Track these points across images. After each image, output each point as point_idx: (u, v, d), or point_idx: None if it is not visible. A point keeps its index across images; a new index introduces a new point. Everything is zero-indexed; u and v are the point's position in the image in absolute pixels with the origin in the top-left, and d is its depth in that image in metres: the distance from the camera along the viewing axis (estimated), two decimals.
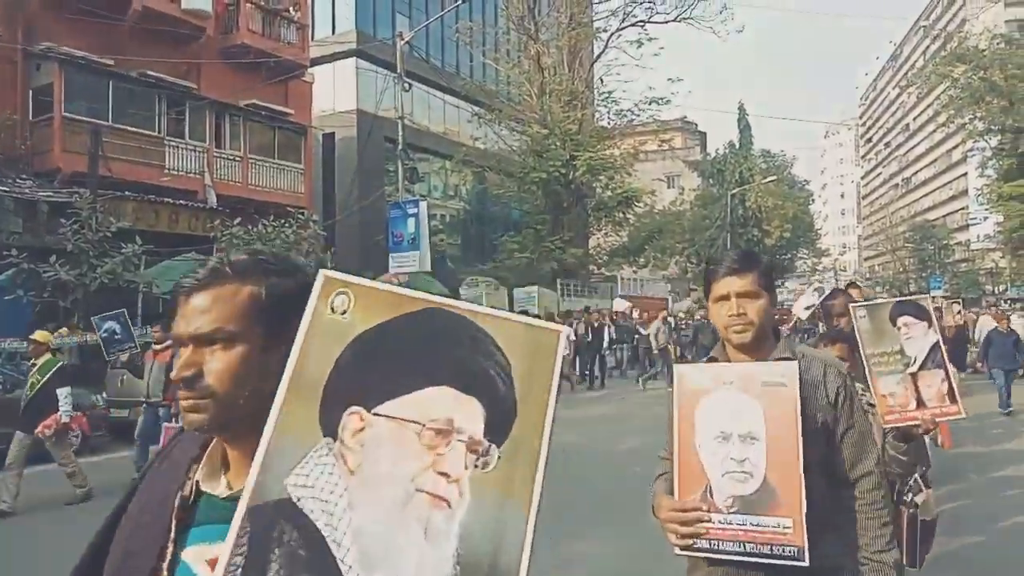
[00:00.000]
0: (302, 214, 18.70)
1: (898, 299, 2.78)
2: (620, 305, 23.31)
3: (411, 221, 19.81)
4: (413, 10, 28.85)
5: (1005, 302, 24.60)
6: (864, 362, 2.59)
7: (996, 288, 45.50)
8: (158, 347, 8.41)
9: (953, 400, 2.54)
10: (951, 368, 11.53)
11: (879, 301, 2.82)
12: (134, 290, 15.12)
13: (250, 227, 16.52)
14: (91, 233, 13.58)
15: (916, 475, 3.65)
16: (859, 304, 2.74)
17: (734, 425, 1.67)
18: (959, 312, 17.42)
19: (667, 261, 40.17)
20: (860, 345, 2.60)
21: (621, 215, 28.32)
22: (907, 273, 59.74)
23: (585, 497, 6.61)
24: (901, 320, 2.59)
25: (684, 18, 28.05)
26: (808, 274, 59.14)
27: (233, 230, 16.27)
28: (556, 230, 25.30)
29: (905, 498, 3.54)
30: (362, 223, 24.23)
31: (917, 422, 2.51)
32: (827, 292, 5.65)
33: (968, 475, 7.59)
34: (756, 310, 1.83)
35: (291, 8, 21.74)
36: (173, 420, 7.77)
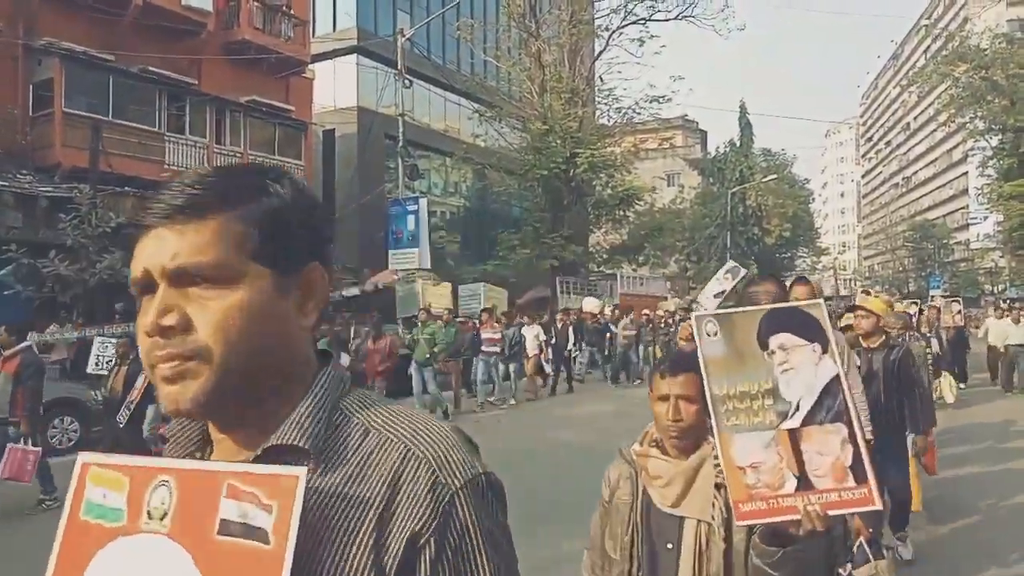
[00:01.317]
0: None
1: (774, 306, 1.72)
2: (590, 304, 20.86)
3: (411, 218, 19.82)
4: (414, 7, 28.82)
5: (1004, 302, 24.53)
6: (710, 408, 1.56)
7: (995, 288, 45.53)
8: (7, 353, 7.07)
9: (861, 479, 1.47)
10: (946, 380, 10.86)
11: (743, 309, 1.68)
12: None
13: None
14: (91, 228, 13.59)
15: (861, 540, 3.06)
16: (706, 314, 1.68)
17: None
18: (959, 312, 15.77)
19: (667, 259, 40.19)
20: (704, 380, 1.57)
21: (621, 213, 28.33)
22: (906, 272, 59.82)
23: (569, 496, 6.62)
24: (776, 340, 1.56)
25: (685, 16, 28.04)
26: (808, 272, 59.16)
27: None
28: (556, 227, 25.29)
29: (840, 571, 2.59)
30: (362, 220, 24.22)
31: (796, 516, 1.45)
32: (746, 276, 4.57)
33: (970, 505, 6.29)
34: (214, 322, 0.76)
35: (290, 5, 21.70)
36: (23, 442, 6.80)
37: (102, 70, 16.90)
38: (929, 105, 58.84)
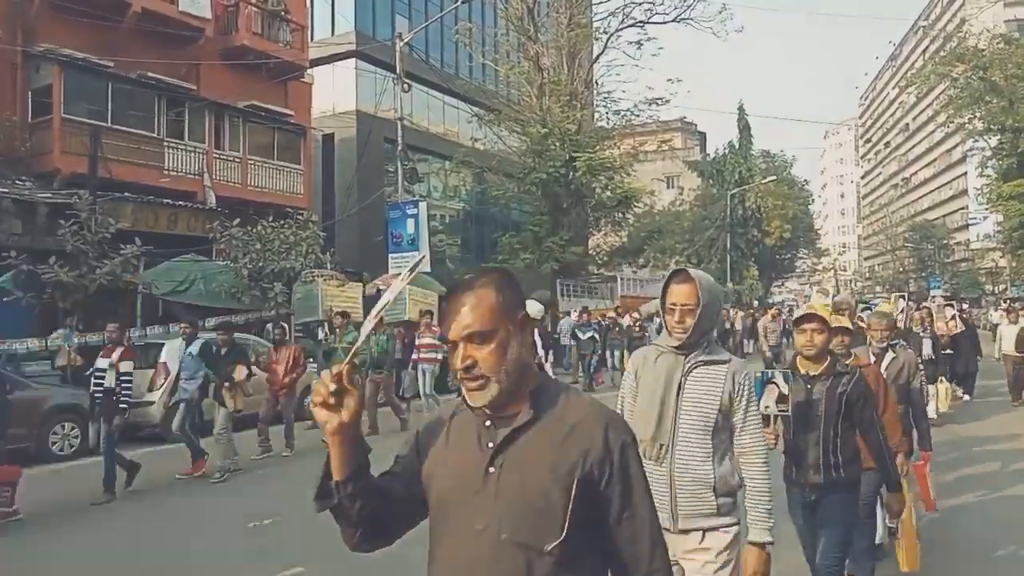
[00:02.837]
0: (301, 215, 18.68)
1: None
2: (532, 308, 18.98)
3: (410, 222, 19.81)
4: (412, 11, 28.87)
5: (1005, 301, 24.39)
6: None
7: (996, 288, 45.53)
8: None
9: None
10: (942, 388, 9.62)
11: None
12: (133, 291, 15.13)
13: (249, 228, 16.51)
14: (90, 234, 13.57)
15: None
16: None
17: None
18: (953, 316, 13.39)
19: (667, 261, 40.19)
20: None
21: (620, 215, 28.31)
22: (907, 273, 59.81)
23: None
24: None
25: (683, 19, 28.08)
26: (808, 274, 59.18)
27: (232, 231, 16.28)
28: (556, 230, 25.28)
29: None
30: (361, 224, 24.24)
31: None
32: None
33: (969, 548, 5.26)
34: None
35: (289, 10, 21.70)
36: None
37: (101, 76, 16.90)
38: (928, 106, 58.89)
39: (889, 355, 4.89)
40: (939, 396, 10.18)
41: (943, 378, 10.65)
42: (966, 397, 12.73)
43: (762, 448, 2.60)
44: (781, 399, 3.26)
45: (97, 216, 13.89)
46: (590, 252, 29.21)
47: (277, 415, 10.15)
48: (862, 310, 10.99)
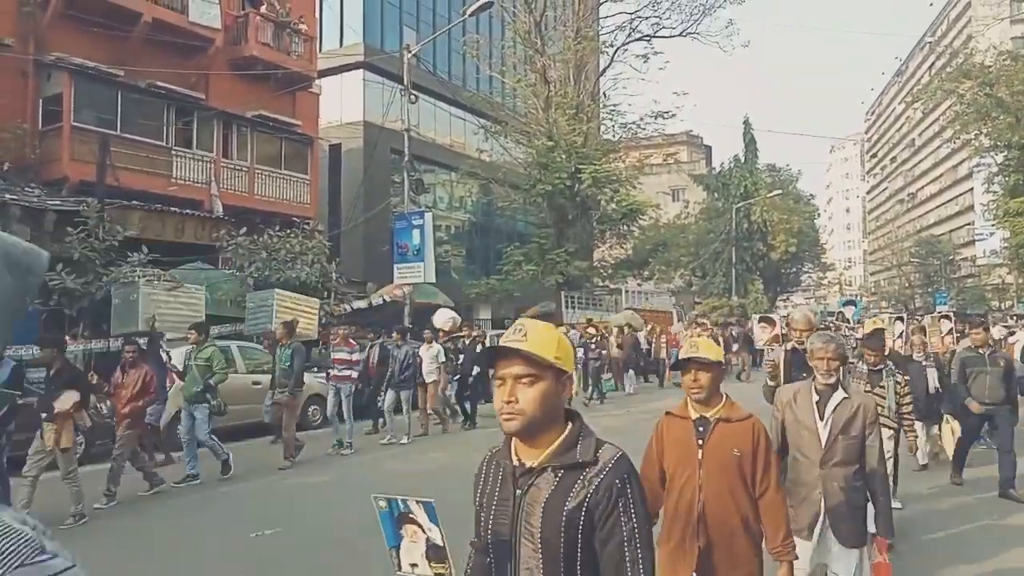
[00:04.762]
0: (307, 224, 18.76)
1: None
2: (442, 318, 15.17)
3: (416, 232, 19.85)
4: (420, 23, 29.06)
5: (1011, 318, 24.22)
6: None
7: (1002, 304, 45.32)
8: None
9: None
10: (947, 428, 7.74)
11: None
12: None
13: (255, 237, 16.56)
14: (98, 242, 13.63)
15: None
16: None
17: None
18: (950, 331, 10.80)
19: (672, 274, 40.22)
20: None
21: (626, 228, 28.39)
22: (912, 288, 59.58)
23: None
24: None
25: (690, 33, 28.26)
26: (813, 288, 59.11)
27: (238, 240, 16.33)
28: (561, 242, 25.33)
29: None
30: (367, 234, 24.31)
31: None
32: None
33: None
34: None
35: (298, 20, 21.87)
36: None
37: (111, 85, 17.04)
38: (934, 122, 58.92)
39: (838, 395, 3.45)
40: (944, 438, 8.34)
41: (949, 416, 8.30)
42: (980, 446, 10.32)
43: None
44: (435, 552, 1.73)
45: (105, 224, 13.95)
46: (595, 265, 29.23)
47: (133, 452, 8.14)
48: (844, 304, 10.22)
